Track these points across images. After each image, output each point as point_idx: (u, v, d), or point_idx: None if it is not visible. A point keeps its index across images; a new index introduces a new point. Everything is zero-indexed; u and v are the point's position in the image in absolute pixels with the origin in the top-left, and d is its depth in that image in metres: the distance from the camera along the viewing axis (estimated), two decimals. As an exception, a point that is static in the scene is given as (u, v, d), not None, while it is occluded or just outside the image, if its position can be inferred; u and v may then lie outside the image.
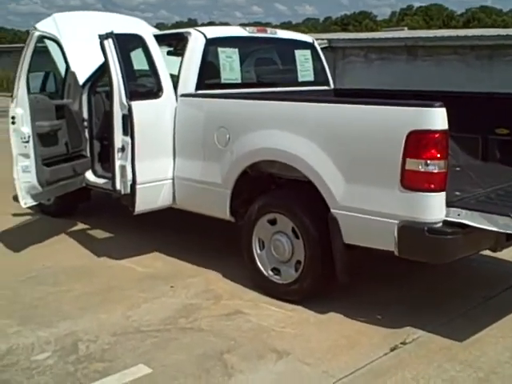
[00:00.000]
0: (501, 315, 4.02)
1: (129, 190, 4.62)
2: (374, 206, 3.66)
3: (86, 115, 5.58)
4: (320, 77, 5.82)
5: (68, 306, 4.14)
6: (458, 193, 3.71)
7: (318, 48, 5.81)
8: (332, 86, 5.95)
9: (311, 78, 5.71)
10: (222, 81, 4.95)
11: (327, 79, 5.90)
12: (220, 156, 4.47)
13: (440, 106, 3.41)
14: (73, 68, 5.45)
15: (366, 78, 15.31)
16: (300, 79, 5.62)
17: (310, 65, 5.66)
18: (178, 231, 5.71)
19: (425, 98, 3.90)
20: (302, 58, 5.57)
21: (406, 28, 28.79)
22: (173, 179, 4.84)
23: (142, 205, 4.69)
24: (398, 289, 4.41)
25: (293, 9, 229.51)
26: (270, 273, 4.31)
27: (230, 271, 4.70)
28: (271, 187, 4.60)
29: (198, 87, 4.80)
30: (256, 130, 4.22)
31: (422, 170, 3.46)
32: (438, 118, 3.42)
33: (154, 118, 4.70)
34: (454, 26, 55.14)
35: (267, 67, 5.58)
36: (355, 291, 4.23)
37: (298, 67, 5.57)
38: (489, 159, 4.91)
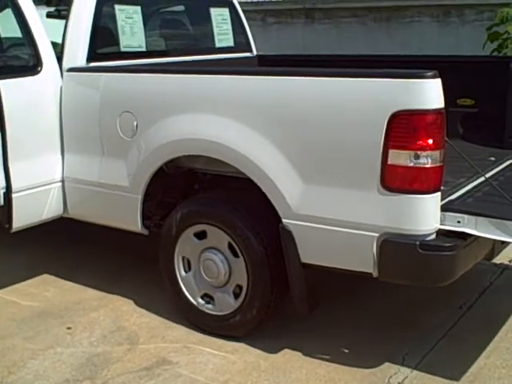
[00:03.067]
0: (489, 329, 3.25)
1: (1, 201, 3.41)
2: (343, 214, 2.71)
3: None
4: (241, 41, 4.75)
5: None
6: (442, 187, 2.83)
7: (238, 6, 4.75)
8: (255, 53, 4.92)
9: (231, 43, 4.65)
10: (122, 49, 3.77)
11: (249, 44, 4.84)
12: (125, 150, 3.35)
13: (434, 76, 2.49)
14: None
15: (263, 42, 14.37)
16: (218, 45, 4.54)
17: (228, 27, 4.58)
18: (75, 241, 4.53)
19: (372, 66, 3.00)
20: (220, 18, 4.48)
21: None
22: (62, 182, 3.67)
23: (21, 219, 3.50)
24: (361, 308, 3.52)
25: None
26: (200, 301, 3.28)
27: (148, 298, 3.63)
28: (197, 187, 3.56)
29: (89, 58, 3.60)
30: (173, 114, 3.13)
31: (411, 164, 2.54)
32: (431, 94, 2.50)
33: (32, 101, 3.50)
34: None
35: (178, 31, 4.43)
36: (310, 316, 3.29)
37: (215, 30, 4.48)
38: (449, 136, 4.09)
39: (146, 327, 3.34)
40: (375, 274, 2.72)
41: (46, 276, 4.01)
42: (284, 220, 2.86)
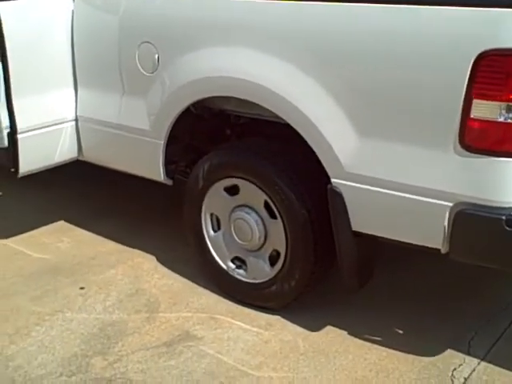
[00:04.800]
0: None
1: (5, 143, 2.97)
2: (407, 176, 2.19)
3: None
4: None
5: None
6: None
7: None
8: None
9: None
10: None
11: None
12: (145, 88, 2.84)
13: (539, 5, 1.91)
14: None
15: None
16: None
17: None
18: (95, 187, 4.10)
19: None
20: None
21: None
22: (75, 121, 3.19)
23: (29, 162, 3.06)
24: (417, 279, 3.04)
25: None
26: (231, 265, 2.85)
27: (172, 256, 3.21)
28: (229, 132, 3.06)
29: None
30: (202, 45, 2.59)
31: (501, 119, 1.99)
32: (535, 28, 1.93)
33: (37, 27, 2.98)
34: None
35: None
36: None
37: None
38: None
39: (168, 291, 2.93)
40: (444, 251, 2.22)
41: (61, 224, 3.62)
42: (333, 180, 2.36)
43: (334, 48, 2.26)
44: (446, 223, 2.15)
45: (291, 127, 2.44)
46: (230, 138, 3.06)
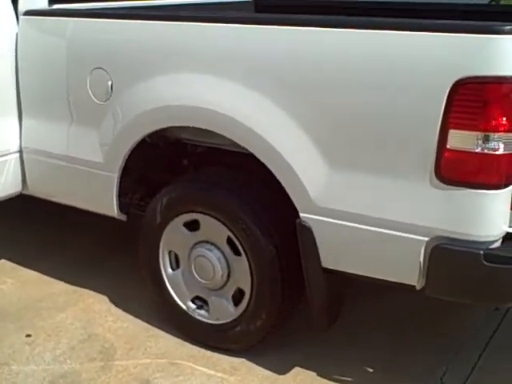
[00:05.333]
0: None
1: None
2: (380, 210, 2.09)
3: None
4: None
5: None
6: None
7: None
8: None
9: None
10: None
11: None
12: (97, 117, 2.66)
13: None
14: None
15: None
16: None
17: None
18: (38, 222, 3.85)
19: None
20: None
21: None
22: (20, 152, 2.98)
23: (-32, 198, 2.84)
24: (380, 313, 2.93)
25: None
26: (191, 305, 2.67)
27: (126, 295, 3.01)
28: (186, 163, 2.90)
29: (52, -1, 2.90)
30: (160, 72, 2.44)
31: (478, 149, 1.91)
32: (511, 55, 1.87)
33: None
34: None
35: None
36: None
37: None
38: None
39: (123, 335, 2.72)
40: (419, 287, 2.12)
41: (3, 263, 3.35)
42: (302, 214, 2.23)
43: (301, 75, 2.15)
44: (421, 259, 2.05)
45: (253, 156, 2.31)
46: (188, 169, 2.90)
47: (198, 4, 3.75)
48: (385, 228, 2.09)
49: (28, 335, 2.70)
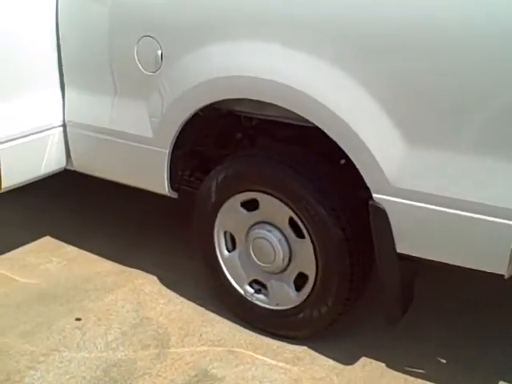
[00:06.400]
0: None
1: (-17, 155, 2.60)
2: (467, 192, 1.87)
3: None
4: None
5: None
6: None
7: None
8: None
9: None
10: None
11: None
12: (146, 89, 2.47)
13: None
14: None
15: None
16: None
17: None
18: (85, 196, 3.71)
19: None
20: None
21: None
22: (63, 126, 2.82)
23: (12, 175, 2.68)
24: (455, 299, 2.74)
25: None
26: (248, 289, 2.51)
27: (178, 275, 2.86)
28: (240, 136, 2.71)
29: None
30: (214, 40, 2.24)
31: None
32: None
33: (12, 13, 2.57)
34: None
35: None
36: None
37: None
38: None
39: (177, 319, 2.58)
40: (508, 276, 1.92)
41: (47, 240, 3.23)
42: (375, 195, 2.03)
43: (376, 38, 1.92)
44: (512, 245, 1.85)
45: (316, 129, 2.10)
46: (242, 142, 2.71)
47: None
48: (469, 212, 1.88)
49: (78, 319, 2.58)
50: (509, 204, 1.82)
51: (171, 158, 2.55)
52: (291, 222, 2.30)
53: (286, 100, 2.11)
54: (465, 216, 1.89)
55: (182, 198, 2.67)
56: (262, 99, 2.19)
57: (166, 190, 2.60)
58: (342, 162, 2.24)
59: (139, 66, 2.44)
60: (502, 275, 1.92)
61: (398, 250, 2.06)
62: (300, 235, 2.29)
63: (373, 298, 2.33)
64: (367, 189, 2.05)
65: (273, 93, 2.13)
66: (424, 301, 2.61)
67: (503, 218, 1.83)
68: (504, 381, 2.22)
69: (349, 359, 2.33)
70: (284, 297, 2.40)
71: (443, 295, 2.73)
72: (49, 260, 3.05)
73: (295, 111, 2.11)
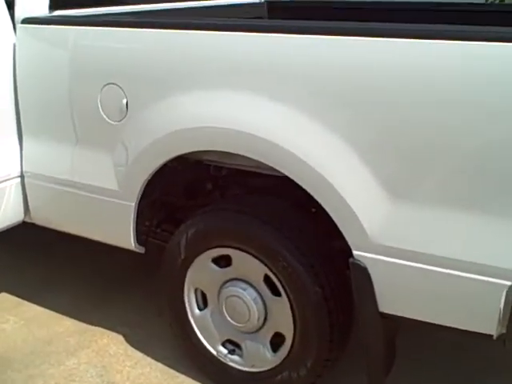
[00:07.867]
0: None
1: None
2: (454, 250, 1.78)
3: None
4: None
5: None
6: None
7: None
8: (260, -3, 3.85)
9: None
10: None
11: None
12: (111, 139, 2.33)
13: None
14: None
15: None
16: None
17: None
18: (43, 250, 3.51)
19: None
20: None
21: None
22: (21, 177, 2.66)
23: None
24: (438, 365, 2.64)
25: None
26: (222, 350, 2.36)
27: (144, 335, 2.69)
28: (210, 187, 2.59)
29: (53, 5, 2.57)
30: (181, 89, 2.12)
31: None
32: None
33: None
34: None
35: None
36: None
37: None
38: None
39: (143, 382, 2.41)
40: (496, 336, 1.83)
41: (3, 297, 3.03)
42: (356, 252, 1.92)
43: (353, 87, 1.83)
44: (501, 305, 1.75)
45: (289, 179, 1.99)
46: (212, 193, 2.59)
47: (206, 7, 3.42)
48: (457, 270, 1.78)
49: (34, 388, 2.39)
50: (497, 262, 1.73)
51: (142, 221, 2.42)
52: (266, 279, 2.17)
53: (261, 154, 2.00)
54: (452, 274, 1.79)
55: (150, 251, 2.53)
56: (229, 150, 2.08)
57: (133, 245, 2.45)
58: (313, 210, 2.15)
59: (103, 115, 2.31)
60: (491, 335, 1.82)
61: (381, 310, 1.95)
62: (276, 293, 2.16)
63: (352, 357, 2.20)
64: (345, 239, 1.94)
65: (239, 143, 2.02)
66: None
67: (492, 277, 1.74)
68: None
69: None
70: (260, 358, 2.26)
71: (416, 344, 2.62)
72: (6, 320, 2.84)
73: (266, 162, 2.01)
